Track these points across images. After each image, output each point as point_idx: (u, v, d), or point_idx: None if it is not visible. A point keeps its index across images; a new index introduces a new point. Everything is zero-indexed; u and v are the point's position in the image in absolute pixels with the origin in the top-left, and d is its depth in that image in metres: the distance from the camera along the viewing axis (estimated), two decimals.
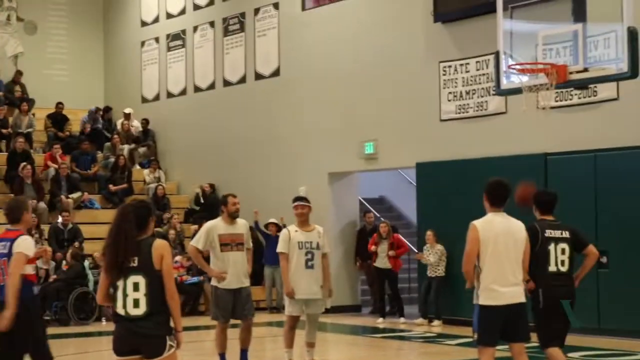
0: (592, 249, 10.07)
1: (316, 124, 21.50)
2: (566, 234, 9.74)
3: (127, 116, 26.02)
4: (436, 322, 18.20)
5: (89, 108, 26.12)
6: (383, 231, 19.10)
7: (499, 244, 8.59)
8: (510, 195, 8.90)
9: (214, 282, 12.13)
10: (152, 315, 6.95)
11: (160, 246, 7.07)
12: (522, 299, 8.67)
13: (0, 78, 26.00)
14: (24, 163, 22.52)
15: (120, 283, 7.01)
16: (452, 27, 18.79)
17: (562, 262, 9.65)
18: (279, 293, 19.77)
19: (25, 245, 8.66)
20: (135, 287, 6.96)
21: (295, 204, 12.44)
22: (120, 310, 7.00)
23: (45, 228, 21.18)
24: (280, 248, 12.30)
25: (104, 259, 7.14)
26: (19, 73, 26.26)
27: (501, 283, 8.55)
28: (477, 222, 8.70)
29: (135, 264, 6.98)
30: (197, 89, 25.10)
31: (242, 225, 12.23)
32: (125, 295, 6.98)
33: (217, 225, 12.12)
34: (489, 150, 17.90)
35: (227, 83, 24.18)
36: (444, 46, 18.91)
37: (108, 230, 7.14)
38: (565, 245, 9.72)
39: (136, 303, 6.96)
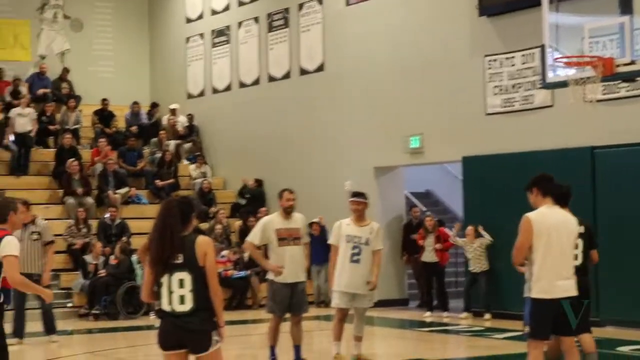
0: (595, 254, 10.43)
1: (361, 118, 21.52)
2: (581, 229, 9.66)
3: (173, 112, 26.18)
4: (486, 316, 18.16)
5: (130, 105, 26.24)
6: (429, 225, 19.12)
7: (552, 237, 8.56)
8: (554, 187, 8.90)
9: (270, 276, 12.17)
10: (198, 311, 6.97)
11: (203, 243, 7.07)
12: (575, 293, 8.63)
13: (47, 75, 26.24)
14: (72, 159, 22.75)
15: (165, 280, 7.02)
16: (497, 21, 18.74)
17: (576, 257, 9.49)
18: (326, 287, 19.84)
19: (11, 247, 8.33)
20: (181, 283, 6.97)
21: (352, 199, 12.51)
22: (166, 306, 7.02)
23: (94, 223, 21.40)
24: (330, 240, 12.49)
25: (146, 254, 7.15)
26: (65, 70, 26.53)
27: (554, 276, 8.52)
28: (530, 215, 8.67)
29: (180, 260, 6.98)
30: (242, 85, 25.20)
31: (298, 220, 12.24)
32: (170, 292, 6.99)
33: (273, 220, 12.17)
34: (535, 144, 17.84)
35: (271, 78, 24.27)
36: (489, 40, 18.86)
37: (153, 226, 7.14)
38: (579, 240, 9.69)
39: (182, 299, 6.97)
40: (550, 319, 8.56)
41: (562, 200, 9.28)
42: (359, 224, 12.37)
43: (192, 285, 6.96)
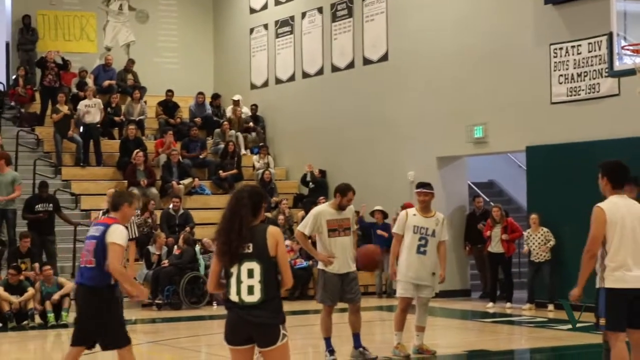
0: None
1: (425, 108, 21.39)
2: None
3: (236, 103, 26.25)
4: (550, 307, 17.97)
5: (195, 96, 26.37)
6: (496, 215, 18.96)
7: (626, 226, 8.38)
8: (629, 176, 8.71)
9: (321, 266, 12.15)
10: (267, 302, 6.81)
11: (275, 233, 6.95)
12: None
13: (112, 67, 26.46)
14: (137, 150, 22.91)
15: (234, 270, 6.87)
16: (563, 9, 18.49)
17: None
18: (389, 277, 19.76)
19: (117, 235, 8.76)
20: (250, 273, 6.83)
21: (418, 190, 12.47)
22: (234, 297, 6.85)
23: (157, 214, 21.52)
24: (395, 229, 12.49)
25: (215, 244, 7.05)
26: (131, 61, 26.72)
27: (629, 266, 8.35)
28: (602, 205, 8.50)
29: (250, 250, 6.86)
30: (305, 75, 25.18)
31: (348, 210, 12.23)
32: (239, 282, 6.83)
33: (324, 210, 12.13)
34: (601, 133, 17.58)
35: (335, 68, 24.21)
36: (554, 28, 18.62)
37: (222, 215, 7.02)
38: None
39: (250, 290, 6.81)
40: (625, 309, 8.36)
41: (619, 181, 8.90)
42: (425, 214, 12.34)
43: (261, 275, 6.82)
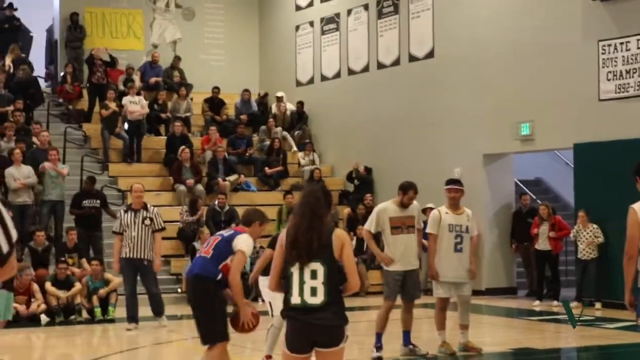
0: None
1: (471, 105, 21.29)
2: None
3: (280, 99, 26.28)
4: (597, 305, 17.83)
5: (241, 92, 26.43)
6: (543, 213, 18.84)
7: None
8: None
9: (384, 266, 12.20)
10: (330, 305, 6.59)
11: (341, 235, 6.78)
12: None
13: (159, 64, 26.60)
14: (183, 146, 23.00)
15: (295, 269, 6.66)
16: (611, 5, 18.32)
17: None
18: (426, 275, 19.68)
19: (246, 244, 8.96)
20: (313, 274, 6.60)
21: (449, 187, 12.43)
22: (295, 299, 6.62)
23: (204, 210, 21.60)
24: (430, 229, 12.36)
25: (291, 247, 6.69)
26: (177, 58, 26.85)
27: None
28: (635, 205, 8.44)
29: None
30: (350, 72, 25.16)
31: (414, 208, 12.24)
32: (302, 283, 6.62)
33: (388, 208, 12.16)
34: None
35: (381, 65, 24.17)
36: (603, 24, 18.46)
37: (297, 213, 6.81)
38: None
39: (314, 291, 6.58)
40: None
41: None
42: (456, 211, 12.33)
43: (325, 277, 6.60)
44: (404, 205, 12.09)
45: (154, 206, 16.41)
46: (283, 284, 6.78)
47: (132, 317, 15.65)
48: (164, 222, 21.48)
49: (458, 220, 12.28)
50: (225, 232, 9.31)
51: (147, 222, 15.45)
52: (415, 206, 12.29)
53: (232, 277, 8.86)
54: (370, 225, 12.16)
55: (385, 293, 12.22)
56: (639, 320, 8.51)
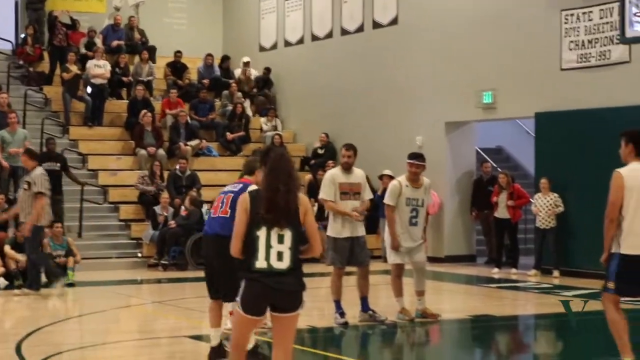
0: None
1: (434, 73, 21.30)
2: None
3: (246, 64, 26.16)
4: (555, 273, 17.98)
5: (204, 57, 26.27)
6: (502, 181, 18.93)
7: None
8: None
9: (330, 233, 12.19)
10: (294, 270, 6.66)
11: (305, 201, 6.82)
12: None
13: (121, 27, 26.33)
14: (144, 110, 22.87)
15: (261, 233, 6.66)
16: None
17: None
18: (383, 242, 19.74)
19: None
20: (280, 239, 6.64)
21: (411, 161, 12.40)
22: (261, 263, 6.63)
23: (165, 174, 21.52)
24: (388, 200, 12.39)
25: (270, 212, 6.63)
26: (133, 18, 26.39)
27: None
28: (622, 170, 8.55)
29: None
30: (314, 38, 25.08)
31: (359, 175, 12.26)
32: (269, 247, 6.64)
33: (336, 174, 12.19)
34: (610, 101, 17.51)
35: (344, 32, 24.09)
36: None
37: (271, 178, 6.69)
38: None
39: (280, 256, 6.62)
40: (636, 277, 8.40)
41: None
42: (416, 184, 12.38)
43: (292, 242, 6.66)
44: (345, 168, 12.10)
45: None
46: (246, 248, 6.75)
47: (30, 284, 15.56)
48: (125, 186, 21.56)
49: (415, 194, 12.34)
50: (235, 187, 9.43)
51: (25, 185, 15.31)
52: (361, 174, 12.32)
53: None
54: (327, 194, 12.09)
55: (330, 259, 12.22)
56: (609, 284, 8.59)
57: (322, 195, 12.24)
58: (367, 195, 12.28)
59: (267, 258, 6.63)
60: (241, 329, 6.84)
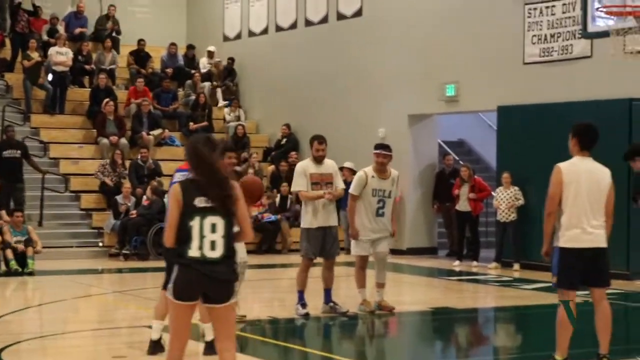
0: None
1: (397, 65, 21.33)
2: None
3: (211, 54, 26.09)
4: (515, 266, 18.08)
5: (167, 46, 26.18)
6: (464, 174, 19.00)
7: (582, 187, 8.52)
8: (598, 140, 8.75)
9: (303, 224, 12.27)
10: (226, 258, 6.63)
11: (236, 187, 6.77)
12: (603, 244, 8.57)
13: (85, 14, 26.14)
14: (107, 99, 22.75)
15: (194, 223, 6.60)
16: None
17: None
18: (346, 234, 19.79)
19: None
20: (213, 228, 6.60)
21: (378, 151, 12.45)
22: (194, 252, 6.58)
23: (127, 164, 21.43)
24: (353, 190, 12.43)
25: (181, 193, 6.63)
26: (112, 7, 26.19)
27: (582, 226, 8.49)
28: (561, 165, 8.64)
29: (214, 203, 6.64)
30: (278, 28, 25.03)
31: (330, 166, 12.32)
32: (202, 237, 6.59)
33: (307, 165, 12.24)
34: (572, 95, 17.61)
35: (309, 23, 24.07)
36: None
37: (198, 165, 6.69)
38: None
39: (213, 245, 6.58)
40: (577, 268, 8.51)
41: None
42: (383, 175, 12.42)
43: (225, 230, 6.62)
44: (316, 160, 12.14)
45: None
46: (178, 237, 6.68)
47: None
48: (86, 175, 21.45)
49: (382, 185, 12.38)
50: (183, 173, 8.91)
51: None
52: (332, 164, 12.37)
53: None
54: (300, 185, 12.14)
55: (303, 250, 12.26)
56: (554, 279, 8.69)
57: (294, 187, 12.32)
58: (339, 184, 12.33)
59: (201, 247, 6.60)
60: (176, 318, 6.73)
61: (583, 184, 8.53)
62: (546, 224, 8.67)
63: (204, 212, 6.61)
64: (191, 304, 6.67)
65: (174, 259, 6.70)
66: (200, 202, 6.63)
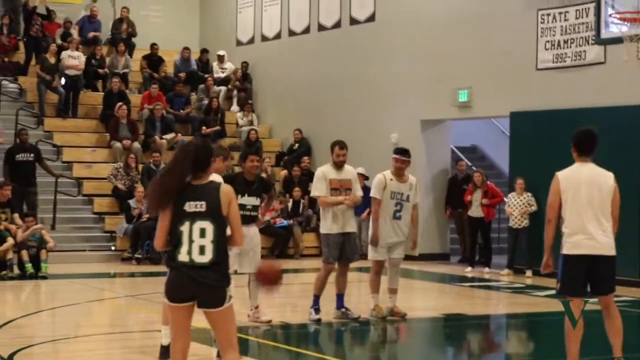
0: None
1: (410, 70, 21.32)
2: None
3: (221, 58, 26.12)
4: (528, 273, 18.05)
5: (181, 50, 26.25)
6: (477, 180, 18.97)
7: (581, 193, 8.51)
8: (598, 145, 8.72)
9: (322, 230, 12.29)
10: (217, 264, 6.62)
11: (228, 191, 6.74)
12: (607, 251, 8.53)
13: (98, 18, 26.21)
14: (120, 103, 22.79)
15: (184, 228, 6.63)
16: None
17: None
18: (363, 239, 19.74)
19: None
20: (202, 233, 6.60)
21: (397, 156, 12.44)
22: (183, 257, 6.61)
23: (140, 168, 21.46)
24: (374, 193, 12.45)
25: (147, 197, 6.84)
26: (125, 9, 26.24)
27: (582, 232, 8.48)
28: (560, 173, 8.69)
29: (203, 208, 6.63)
30: (291, 33, 25.05)
31: (349, 172, 12.32)
32: (191, 242, 6.60)
33: (327, 170, 12.25)
34: (585, 101, 17.58)
35: (321, 27, 24.09)
36: None
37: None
38: None
39: (202, 250, 6.59)
40: (579, 275, 8.49)
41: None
42: (401, 179, 12.44)
43: (214, 235, 6.61)
44: (337, 165, 12.15)
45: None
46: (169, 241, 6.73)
47: None
48: (99, 178, 21.48)
49: (401, 188, 12.39)
50: None
51: None
52: (351, 170, 12.37)
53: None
54: (319, 190, 12.16)
55: (325, 255, 12.30)
56: (559, 286, 8.68)
57: (314, 192, 12.35)
58: (358, 191, 12.33)
59: (190, 252, 6.62)
60: (173, 320, 6.80)
61: (582, 190, 8.52)
62: (545, 233, 8.69)
63: (193, 217, 6.63)
64: (186, 306, 6.69)
65: (167, 263, 6.78)
66: (190, 206, 6.65)
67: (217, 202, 6.67)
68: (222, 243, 6.68)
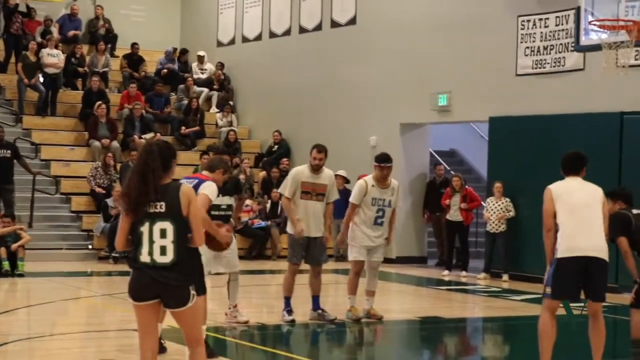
0: None
1: (390, 74, 21.36)
2: None
3: (201, 59, 26.12)
4: (504, 277, 18.12)
5: (165, 49, 26.29)
6: (455, 184, 19.01)
7: (573, 199, 8.62)
8: (586, 164, 8.87)
9: (289, 230, 12.23)
10: (178, 264, 6.63)
11: (188, 191, 6.75)
12: (600, 254, 8.62)
13: (78, 17, 26.16)
14: (99, 102, 22.74)
15: (145, 229, 6.63)
16: None
17: None
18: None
19: (210, 189, 9.17)
20: (163, 233, 6.61)
21: (380, 164, 12.38)
22: (145, 258, 6.60)
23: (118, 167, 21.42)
24: (353, 199, 12.41)
25: (124, 200, 6.68)
26: (99, 7, 26.23)
27: (578, 236, 8.55)
28: (551, 185, 8.76)
29: (163, 209, 6.63)
30: (272, 35, 25.06)
31: (327, 177, 12.23)
32: (151, 242, 6.61)
33: (302, 172, 12.17)
34: (564, 107, 17.67)
35: (302, 30, 24.10)
36: (523, 0, 18.63)
37: (132, 171, 6.75)
38: None
39: (163, 250, 6.60)
40: (571, 279, 8.54)
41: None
42: (383, 185, 12.40)
43: (175, 236, 6.62)
44: (313, 168, 12.10)
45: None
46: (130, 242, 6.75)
47: None
48: (77, 177, 21.42)
49: (382, 194, 12.38)
50: (190, 182, 9.13)
51: None
52: (329, 175, 12.28)
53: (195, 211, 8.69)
54: (284, 189, 12.16)
55: (289, 256, 12.32)
56: (547, 289, 8.71)
57: (280, 189, 12.34)
58: (333, 196, 12.26)
59: (151, 252, 6.63)
60: (138, 320, 6.81)
61: (575, 196, 8.65)
62: (545, 240, 8.74)
63: (153, 218, 6.64)
64: (150, 304, 6.69)
65: (129, 263, 6.79)
66: (150, 207, 6.65)
67: (177, 202, 6.67)
68: (183, 243, 6.69)
